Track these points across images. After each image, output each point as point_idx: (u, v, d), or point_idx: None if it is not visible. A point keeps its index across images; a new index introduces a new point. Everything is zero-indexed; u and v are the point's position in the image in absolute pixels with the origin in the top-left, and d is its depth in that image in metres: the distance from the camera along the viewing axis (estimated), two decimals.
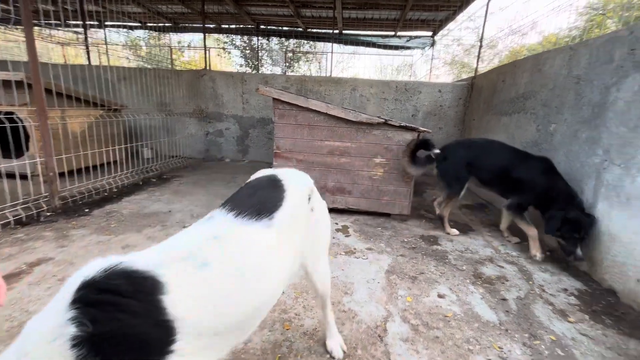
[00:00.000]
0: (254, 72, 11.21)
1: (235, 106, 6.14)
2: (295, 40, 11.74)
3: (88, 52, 6.68)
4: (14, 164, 2.93)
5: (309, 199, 1.22)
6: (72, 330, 0.60)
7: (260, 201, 1.04)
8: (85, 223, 2.84)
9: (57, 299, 0.65)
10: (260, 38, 10.19)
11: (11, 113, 3.16)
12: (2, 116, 2.79)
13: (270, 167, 1.46)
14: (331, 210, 2.68)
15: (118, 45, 9.60)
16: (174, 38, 11.89)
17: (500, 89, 4.25)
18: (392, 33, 8.18)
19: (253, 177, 1.29)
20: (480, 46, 5.49)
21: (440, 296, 2.00)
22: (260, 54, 12.25)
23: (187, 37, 13.50)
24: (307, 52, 12.70)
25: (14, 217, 2.69)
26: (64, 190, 3.25)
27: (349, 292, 1.99)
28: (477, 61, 5.62)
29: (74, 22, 7.50)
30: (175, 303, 0.72)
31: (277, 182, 1.16)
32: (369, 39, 8.39)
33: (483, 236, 3.07)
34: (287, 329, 1.63)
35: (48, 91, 3.15)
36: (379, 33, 8.28)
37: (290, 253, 1.06)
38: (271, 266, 0.95)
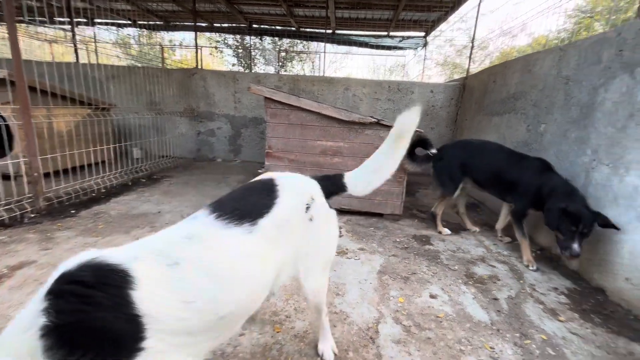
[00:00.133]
0: (246, 71, 11.13)
1: (227, 105, 6.07)
2: (288, 40, 11.70)
3: (76, 50, 6.53)
4: None
5: (307, 208, 1.15)
6: (42, 320, 0.61)
7: (246, 206, 1.02)
8: (71, 224, 2.77)
9: (40, 290, 0.68)
10: (252, 37, 10.12)
11: None
12: None
13: (263, 167, 1.43)
14: None
15: (108, 44, 9.44)
16: (166, 37, 11.76)
17: (491, 90, 4.28)
18: (385, 33, 8.21)
19: (258, 178, 1.26)
20: (472, 47, 5.54)
21: (432, 296, 2.00)
22: (253, 54, 12.18)
23: (179, 36, 13.36)
24: (300, 52, 12.67)
25: None
26: (50, 190, 3.17)
27: (341, 293, 1.97)
28: (469, 62, 5.66)
29: (62, 19, 7.35)
30: (144, 299, 0.71)
31: (271, 187, 1.13)
32: (362, 39, 8.40)
33: (475, 235, 3.08)
34: (278, 332, 1.60)
35: (32, 89, 3.06)
36: (372, 33, 8.29)
37: (272, 262, 1.02)
38: (248, 272, 0.93)
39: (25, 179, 2.96)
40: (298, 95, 3.20)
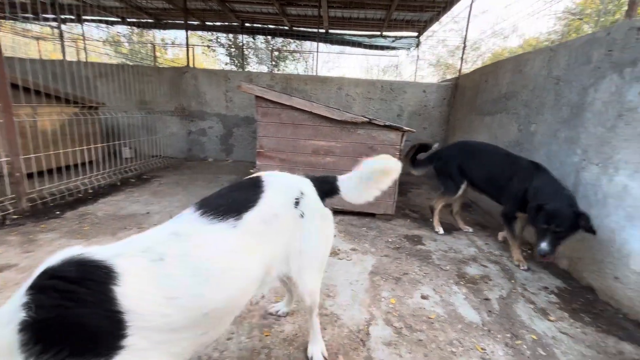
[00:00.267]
0: (239, 70, 11.03)
1: (218, 104, 6.00)
2: (282, 39, 11.63)
3: (63, 47, 6.39)
4: None
5: (297, 203, 1.14)
6: (21, 315, 0.61)
7: (231, 202, 1.02)
8: (55, 226, 2.69)
9: (23, 285, 0.67)
10: (245, 36, 10.04)
11: None
12: None
13: (255, 167, 1.40)
14: None
15: (98, 41, 9.26)
16: (158, 35, 11.60)
17: (483, 90, 4.30)
18: (378, 33, 8.21)
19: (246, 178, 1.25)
20: (464, 47, 5.56)
21: (423, 297, 1.98)
22: (245, 53, 12.08)
23: (171, 35, 13.18)
24: (293, 51, 12.61)
25: None
26: (33, 191, 3.07)
27: (332, 295, 1.94)
28: (461, 62, 5.69)
29: (50, 16, 7.18)
30: (127, 295, 0.71)
31: (257, 184, 1.12)
32: (355, 38, 8.38)
33: (467, 235, 3.08)
34: (267, 336, 1.56)
35: (15, 86, 2.97)
36: (365, 33, 8.28)
37: (259, 256, 1.01)
38: (233, 267, 0.92)
39: (7, 180, 2.87)
40: (290, 94, 3.16)
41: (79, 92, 4.30)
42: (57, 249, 2.30)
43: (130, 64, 7.03)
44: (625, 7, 2.44)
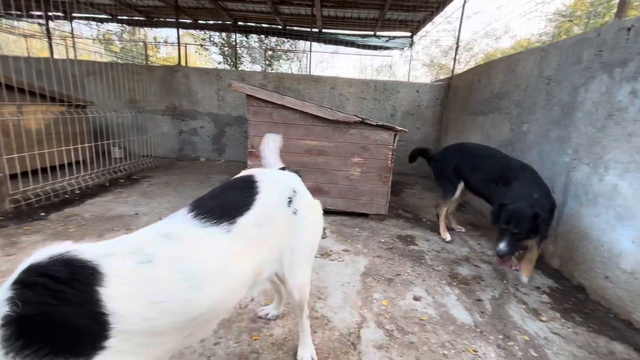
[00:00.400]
0: (232, 69, 10.93)
1: (210, 103, 5.92)
2: (275, 39, 11.56)
3: (50, 45, 6.25)
4: None
5: (290, 201, 1.13)
6: (4, 309, 0.61)
7: (226, 204, 1.00)
8: (40, 228, 2.61)
9: (8, 280, 0.66)
10: (238, 35, 9.95)
11: None
12: None
13: (246, 167, 1.37)
14: None
15: (89, 39, 9.09)
16: (150, 34, 11.43)
17: (476, 90, 4.31)
18: (372, 33, 8.20)
19: (238, 175, 1.25)
20: (457, 47, 5.58)
21: (416, 299, 1.96)
22: (239, 52, 11.98)
23: (164, 33, 13.02)
24: (287, 51, 12.55)
25: None
26: (17, 192, 2.98)
27: (323, 297, 1.90)
28: (454, 62, 5.70)
29: (38, 13, 7.02)
30: (112, 296, 0.70)
31: (251, 184, 1.10)
32: (348, 38, 8.36)
33: (459, 235, 3.07)
34: (255, 339, 1.52)
35: None
36: (358, 32, 8.27)
37: (251, 260, 0.99)
38: (224, 272, 0.90)
39: None
40: (282, 93, 3.12)
41: (66, 91, 4.20)
42: None
43: (121, 62, 6.92)
44: (614, 10, 2.45)
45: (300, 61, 12.60)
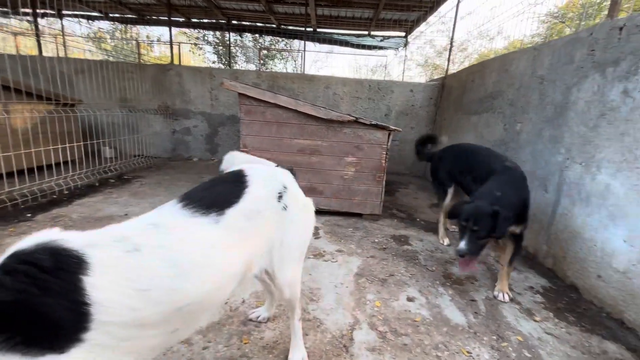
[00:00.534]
0: (226, 67, 10.85)
1: (203, 103, 5.86)
2: (270, 38, 11.49)
3: (39, 43, 6.13)
4: None
5: (280, 197, 1.13)
6: None
7: (215, 195, 1.00)
8: (25, 230, 2.54)
9: None
10: (232, 34, 9.87)
11: None
12: None
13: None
14: None
15: (81, 37, 8.94)
16: (143, 32, 11.29)
17: (469, 89, 4.31)
18: (366, 32, 8.19)
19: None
20: (451, 47, 5.58)
21: (409, 299, 1.94)
22: (233, 51, 11.89)
23: (158, 32, 12.85)
24: (282, 50, 12.50)
25: None
26: (2, 193, 2.90)
27: (315, 299, 1.87)
28: (448, 61, 5.71)
29: (27, 10, 6.87)
30: (97, 285, 0.68)
31: (241, 178, 1.09)
32: (343, 37, 8.35)
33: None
34: (246, 343, 1.49)
35: None
36: (353, 32, 8.25)
37: (240, 252, 0.98)
38: (212, 262, 0.89)
39: None
40: (275, 92, 3.08)
41: (55, 89, 4.11)
42: None
43: (112, 60, 6.80)
44: (605, 12, 2.46)
45: (295, 61, 12.56)
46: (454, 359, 1.48)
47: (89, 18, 8.27)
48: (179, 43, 10.39)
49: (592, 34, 2.23)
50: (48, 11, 7.47)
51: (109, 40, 11.63)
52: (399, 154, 5.87)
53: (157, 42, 11.85)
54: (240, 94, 3.04)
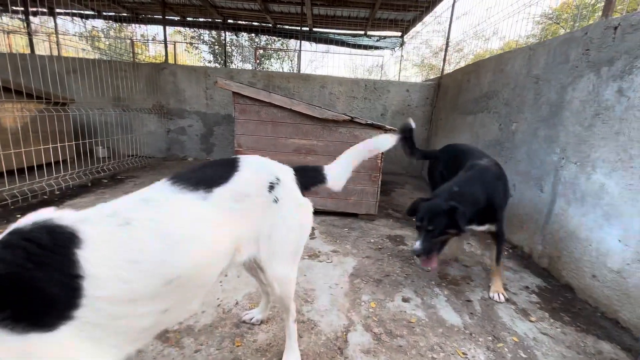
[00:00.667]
0: (221, 67, 10.79)
1: (198, 102, 5.81)
2: (266, 37, 11.44)
3: (31, 41, 6.04)
4: None
5: (272, 188, 1.12)
6: None
7: (204, 175, 1.03)
8: None
9: None
10: (228, 33, 9.82)
11: None
12: None
13: None
14: None
15: (74, 36, 8.82)
16: (138, 31, 11.17)
17: (465, 89, 4.31)
18: (362, 32, 8.18)
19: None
20: (447, 47, 5.59)
21: (404, 300, 1.92)
22: (229, 50, 11.83)
23: (152, 31, 12.75)
24: (278, 49, 12.45)
25: None
26: None
27: (310, 300, 1.85)
28: (444, 61, 5.72)
29: (19, 8, 6.76)
30: (90, 259, 0.70)
31: (233, 163, 1.12)
32: (339, 37, 8.33)
33: None
34: (238, 346, 1.46)
35: None
36: (349, 32, 8.24)
37: (227, 231, 0.99)
38: (199, 236, 0.91)
39: None
40: (270, 91, 3.05)
41: (47, 88, 4.05)
42: None
43: (106, 59, 6.71)
44: (599, 13, 2.47)
45: (291, 60, 12.52)
46: None
47: (82, 16, 8.18)
48: (174, 42, 10.33)
49: (587, 33, 2.23)
50: (41, 9, 7.37)
51: (103, 39, 11.51)
52: (395, 154, 5.85)
53: (152, 41, 11.75)
54: (234, 93, 3.01)
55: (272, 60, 12.95)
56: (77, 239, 0.70)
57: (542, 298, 2.06)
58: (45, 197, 3.28)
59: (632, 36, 1.89)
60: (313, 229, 2.95)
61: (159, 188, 0.95)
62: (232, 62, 12.30)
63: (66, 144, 3.82)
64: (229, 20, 8.15)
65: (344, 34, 8.31)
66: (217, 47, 12.20)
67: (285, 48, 12.27)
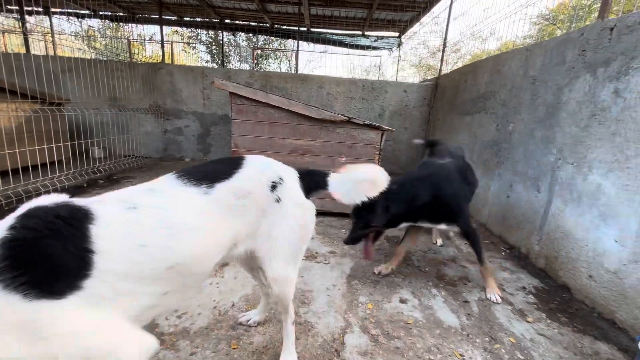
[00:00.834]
0: (218, 67, 10.75)
1: (195, 102, 5.78)
2: (264, 37, 11.41)
3: (26, 40, 5.99)
4: None
5: (274, 187, 1.14)
6: (5, 233, 0.66)
7: (208, 171, 1.07)
8: None
9: (13, 214, 0.72)
10: (226, 33, 9.78)
11: None
12: None
13: None
14: None
15: (70, 36, 8.76)
16: (136, 31, 11.10)
17: (462, 89, 4.32)
18: (360, 33, 8.18)
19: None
20: (444, 47, 5.59)
21: (402, 301, 1.91)
22: (226, 50, 11.79)
23: (150, 30, 12.70)
24: (275, 50, 12.43)
25: None
26: None
27: (307, 302, 1.84)
28: (441, 62, 5.72)
29: (16, 8, 6.71)
30: (102, 235, 0.75)
31: (237, 161, 1.15)
32: (337, 37, 8.32)
33: (445, 235, 3.06)
34: (234, 348, 1.45)
35: None
36: (347, 32, 8.24)
37: (227, 224, 1.02)
38: (199, 227, 0.95)
39: None
40: (267, 92, 3.04)
41: (43, 88, 4.01)
42: None
43: (102, 58, 6.67)
44: (595, 14, 2.48)
45: (289, 60, 12.49)
46: None
47: (78, 16, 8.12)
48: (171, 42, 10.28)
49: (583, 34, 2.24)
50: (36, 9, 7.32)
51: (99, 39, 11.44)
52: (393, 154, 5.87)
53: (149, 40, 11.69)
54: (231, 93, 2.99)
55: (269, 60, 12.91)
56: (91, 215, 0.77)
57: (539, 299, 2.06)
58: None
59: (628, 37, 1.90)
60: None
61: (165, 180, 1.00)
62: (229, 62, 12.25)
63: (61, 144, 3.78)
64: (227, 20, 8.13)
65: (342, 34, 8.31)
66: (214, 47, 12.15)
67: (282, 48, 12.25)
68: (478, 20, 4.91)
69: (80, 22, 8.79)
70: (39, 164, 3.44)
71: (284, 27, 8.27)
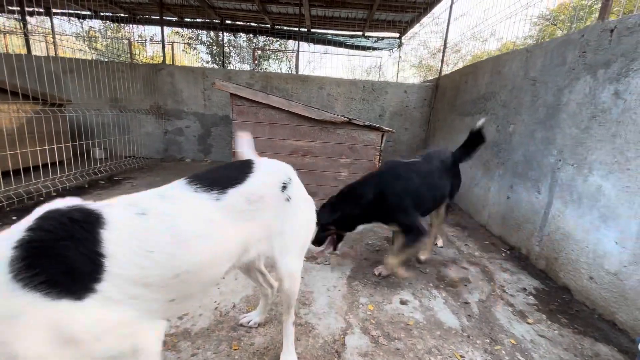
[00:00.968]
0: (219, 67, 10.77)
1: (196, 103, 5.79)
2: (264, 38, 11.43)
3: (27, 41, 6.01)
4: None
5: (284, 187, 1.17)
6: (22, 234, 0.68)
7: (219, 177, 1.07)
8: None
9: (30, 216, 0.74)
10: (226, 34, 9.80)
11: None
12: None
13: None
14: None
15: (71, 36, 8.78)
16: (137, 32, 11.13)
17: (463, 90, 4.32)
18: (360, 33, 8.19)
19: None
20: (445, 48, 5.60)
21: (402, 302, 1.92)
22: (227, 51, 11.81)
23: (150, 31, 12.70)
24: (276, 50, 12.45)
25: None
26: None
27: (308, 303, 1.84)
28: (442, 63, 5.73)
29: (17, 9, 6.73)
30: (112, 239, 0.76)
31: (248, 165, 1.15)
32: (337, 38, 8.33)
33: (447, 236, 3.06)
34: (235, 350, 1.45)
35: None
36: (347, 33, 8.25)
37: (237, 231, 1.02)
38: (208, 235, 0.94)
39: None
40: (267, 93, 3.05)
41: (44, 89, 4.02)
42: None
43: (103, 59, 6.69)
44: (596, 14, 2.48)
45: (289, 61, 12.51)
46: None
47: (79, 16, 8.14)
48: (172, 43, 10.30)
49: (584, 35, 2.24)
50: (37, 9, 7.33)
51: (100, 40, 11.46)
52: (393, 154, 5.87)
53: (149, 41, 11.71)
54: (232, 95, 3.00)
55: (270, 61, 12.93)
56: (102, 219, 0.78)
57: (540, 300, 2.06)
58: (42, 198, 3.25)
59: (628, 39, 1.90)
60: None
61: (176, 186, 1.00)
62: (230, 63, 12.27)
63: (63, 145, 3.79)
64: (227, 21, 8.14)
65: (342, 35, 8.32)
66: (215, 47, 12.17)
67: (283, 49, 12.26)
68: (479, 21, 4.92)
69: (81, 23, 8.82)
70: (40, 164, 3.45)
71: (285, 27, 8.28)
